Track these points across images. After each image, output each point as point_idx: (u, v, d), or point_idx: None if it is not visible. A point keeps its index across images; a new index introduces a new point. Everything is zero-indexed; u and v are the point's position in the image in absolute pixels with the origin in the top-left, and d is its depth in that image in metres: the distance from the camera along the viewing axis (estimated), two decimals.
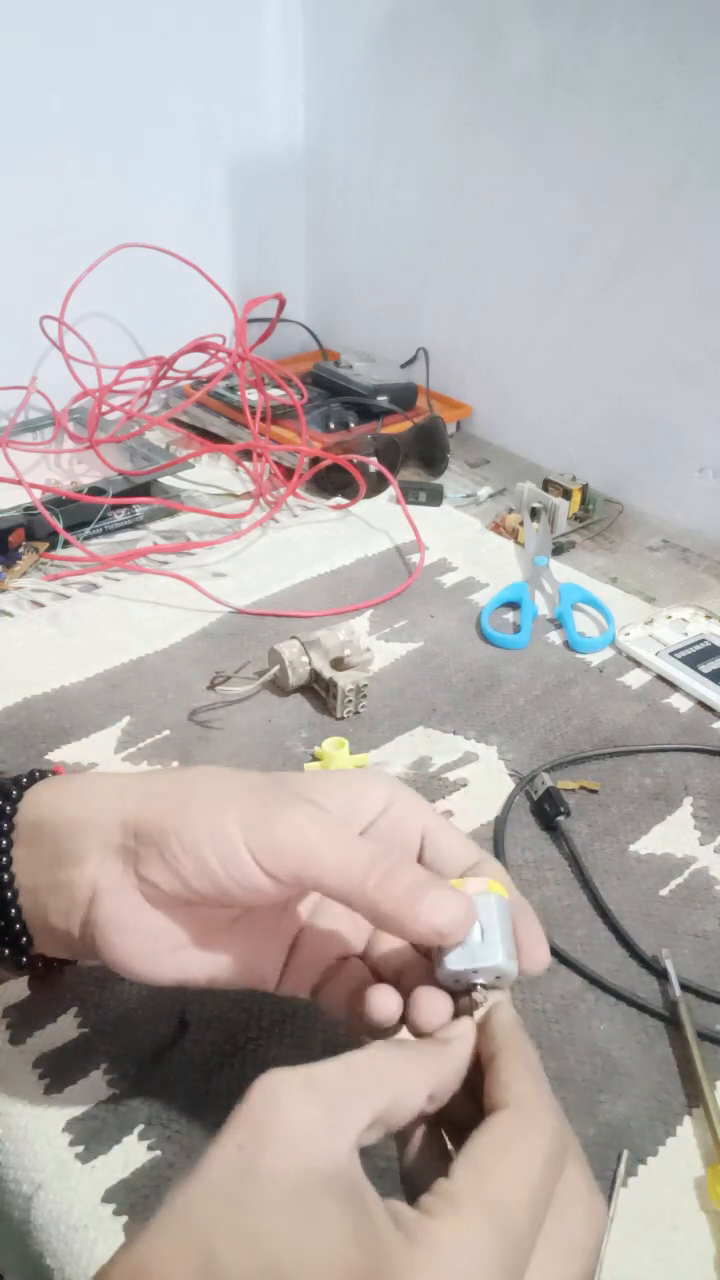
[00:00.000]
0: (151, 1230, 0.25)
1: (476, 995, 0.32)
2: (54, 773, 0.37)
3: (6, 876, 0.34)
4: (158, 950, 0.33)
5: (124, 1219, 0.37)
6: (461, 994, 0.32)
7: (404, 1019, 0.33)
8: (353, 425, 0.96)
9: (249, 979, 0.35)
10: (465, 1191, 0.26)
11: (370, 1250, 0.24)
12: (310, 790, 0.34)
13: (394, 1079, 0.28)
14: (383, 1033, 0.33)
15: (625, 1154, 0.40)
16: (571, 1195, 0.28)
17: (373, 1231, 0.25)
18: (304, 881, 0.31)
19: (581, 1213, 0.28)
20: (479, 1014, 0.32)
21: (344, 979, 0.35)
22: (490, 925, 0.32)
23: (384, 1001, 0.32)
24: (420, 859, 0.35)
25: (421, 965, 0.34)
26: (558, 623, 0.73)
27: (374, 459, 0.84)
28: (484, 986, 0.32)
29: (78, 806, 0.34)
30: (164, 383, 0.97)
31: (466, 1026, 0.31)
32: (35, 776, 0.36)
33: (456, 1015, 0.32)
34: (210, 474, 0.92)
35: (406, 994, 0.33)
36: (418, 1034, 0.32)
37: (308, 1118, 0.26)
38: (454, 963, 0.31)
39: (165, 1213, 0.25)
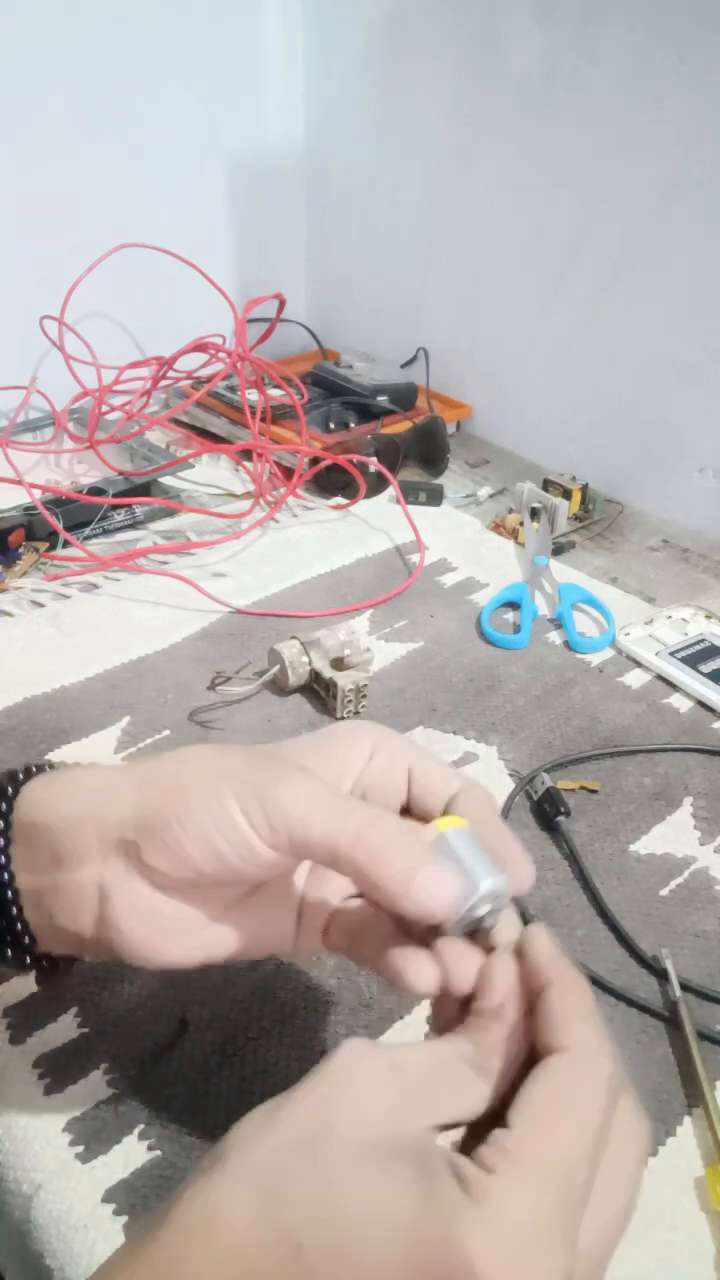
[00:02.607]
0: (221, 1173, 0.26)
1: (487, 923, 0.31)
2: (48, 765, 0.37)
3: (6, 876, 0.33)
4: (176, 935, 0.33)
5: (124, 1219, 0.37)
6: (476, 933, 0.32)
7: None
8: (353, 425, 0.96)
9: (268, 948, 0.35)
10: (525, 1148, 0.26)
11: (434, 1210, 0.25)
12: (300, 756, 0.34)
13: (478, 1081, 0.28)
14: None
15: None
16: (623, 1129, 0.28)
17: (437, 1192, 0.25)
18: (297, 849, 0.31)
19: (631, 1143, 0.28)
20: (503, 938, 0.31)
21: (344, 922, 0.36)
22: (460, 861, 0.32)
23: (424, 974, 0.31)
24: (408, 797, 0.35)
25: None
26: (558, 623, 0.73)
27: (374, 459, 0.84)
28: (491, 914, 0.32)
29: (72, 803, 0.34)
30: (164, 383, 0.97)
31: (511, 988, 0.30)
32: (31, 772, 0.36)
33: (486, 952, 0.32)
34: (210, 474, 0.92)
35: (413, 934, 0.33)
36: (458, 994, 0.31)
37: (387, 1100, 0.27)
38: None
39: (235, 1157, 0.26)
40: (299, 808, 0.31)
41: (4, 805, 0.34)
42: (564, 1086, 0.27)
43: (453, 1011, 0.32)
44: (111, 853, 0.32)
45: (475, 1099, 0.28)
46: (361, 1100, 0.27)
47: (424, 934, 0.32)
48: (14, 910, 0.34)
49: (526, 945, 0.31)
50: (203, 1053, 0.43)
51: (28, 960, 0.35)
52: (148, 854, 0.32)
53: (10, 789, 0.35)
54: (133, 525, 0.83)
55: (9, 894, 0.33)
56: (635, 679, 0.68)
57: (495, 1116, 0.28)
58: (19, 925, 0.34)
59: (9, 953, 0.34)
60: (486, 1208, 0.25)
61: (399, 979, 0.32)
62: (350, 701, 0.62)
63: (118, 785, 0.33)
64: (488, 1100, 0.29)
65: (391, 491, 0.88)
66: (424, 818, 0.34)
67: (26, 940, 0.34)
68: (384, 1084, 0.27)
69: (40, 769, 0.36)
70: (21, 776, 0.35)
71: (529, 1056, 0.29)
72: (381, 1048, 0.28)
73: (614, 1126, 0.27)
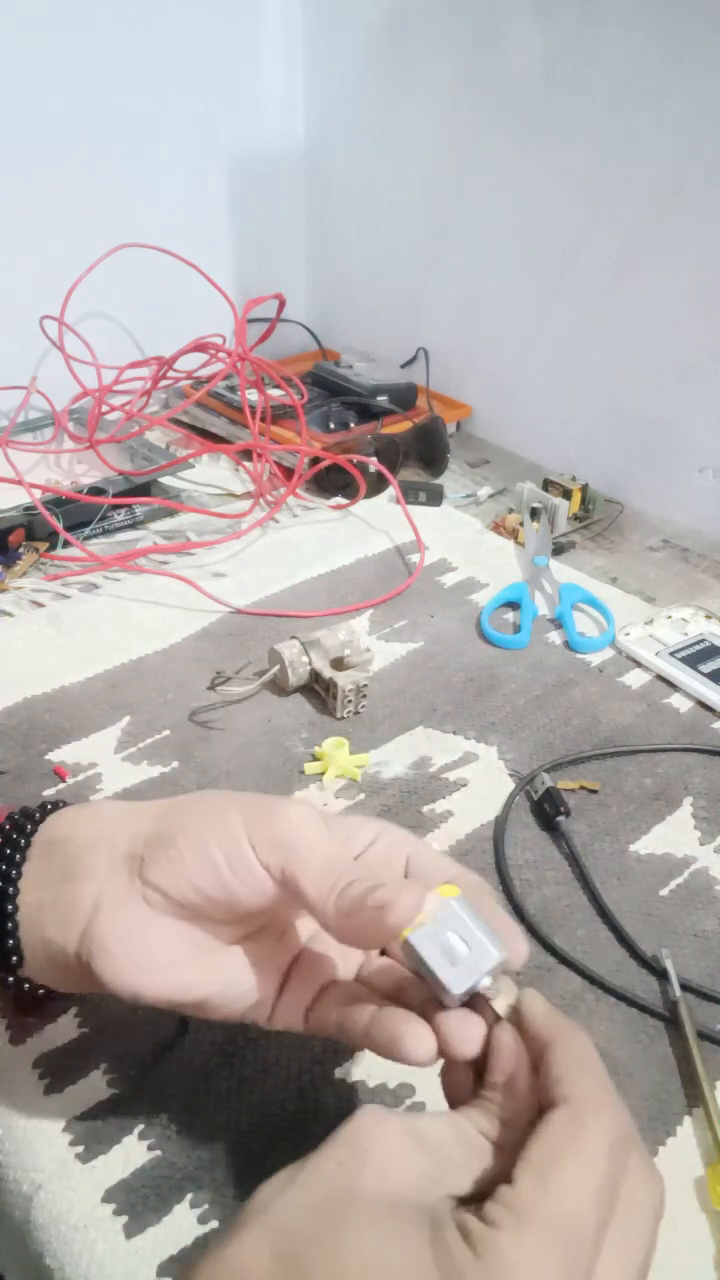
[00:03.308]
0: (242, 1230, 0.27)
1: (487, 992, 0.32)
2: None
3: (12, 889, 0.35)
4: (154, 962, 0.33)
5: (124, 1219, 0.37)
6: (478, 1003, 0.32)
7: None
8: (353, 425, 0.96)
9: (241, 1004, 0.35)
10: (528, 1203, 0.26)
11: (443, 1266, 0.25)
12: None
13: (495, 1154, 0.29)
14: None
15: None
16: (634, 1184, 0.28)
17: (444, 1248, 0.26)
18: (287, 878, 0.32)
19: (643, 1200, 0.28)
20: (503, 1007, 0.31)
21: (334, 998, 0.35)
22: (466, 929, 0.32)
23: (421, 1042, 0.31)
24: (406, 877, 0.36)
25: (416, 981, 0.34)
26: (558, 623, 0.73)
27: (374, 459, 0.84)
28: (491, 985, 0.32)
29: (93, 826, 0.36)
30: (164, 383, 0.97)
31: (518, 1057, 0.30)
32: (59, 805, 0.38)
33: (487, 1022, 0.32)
34: (210, 474, 0.92)
35: (409, 1008, 0.32)
36: (462, 1059, 0.31)
37: (407, 1168, 0.28)
38: (458, 985, 0.31)
39: (258, 1216, 0.27)
40: (300, 835, 0.32)
41: (29, 826, 0.36)
42: (565, 1138, 0.27)
43: (464, 1084, 0.32)
44: (117, 869, 0.33)
45: (491, 1171, 0.29)
46: (382, 1167, 0.27)
47: (422, 1007, 0.32)
48: (8, 925, 0.35)
49: (524, 1009, 0.31)
50: (203, 1053, 0.43)
51: (9, 980, 0.36)
52: (149, 869, 0.33)
53: (38, 815, 0.37)
54: (133, 525, 0.83)
55: (9, 907, 0.35)
56: (635, 679, 0.68)
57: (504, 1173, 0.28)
58: (10, 941, 0.35)
59: None
60: (491, 1262, 0.25)
61: (396, 1047, 0.31)
62: (350, 701, 0.62)
63: (139, 814, 0.36)
64: (503, 1170, 0.29)
65: (391, 491, 0.88)
66: None
67: (14, 960, 0.35)
68: (405, 1152, 0.28)
69: (68, 804, 0.39)
70: (50, 807, 0.38)
71: (538, 1113, 0.29)
72: (400, 1115, 0.29)
73: (625, 1182, 0.27)
